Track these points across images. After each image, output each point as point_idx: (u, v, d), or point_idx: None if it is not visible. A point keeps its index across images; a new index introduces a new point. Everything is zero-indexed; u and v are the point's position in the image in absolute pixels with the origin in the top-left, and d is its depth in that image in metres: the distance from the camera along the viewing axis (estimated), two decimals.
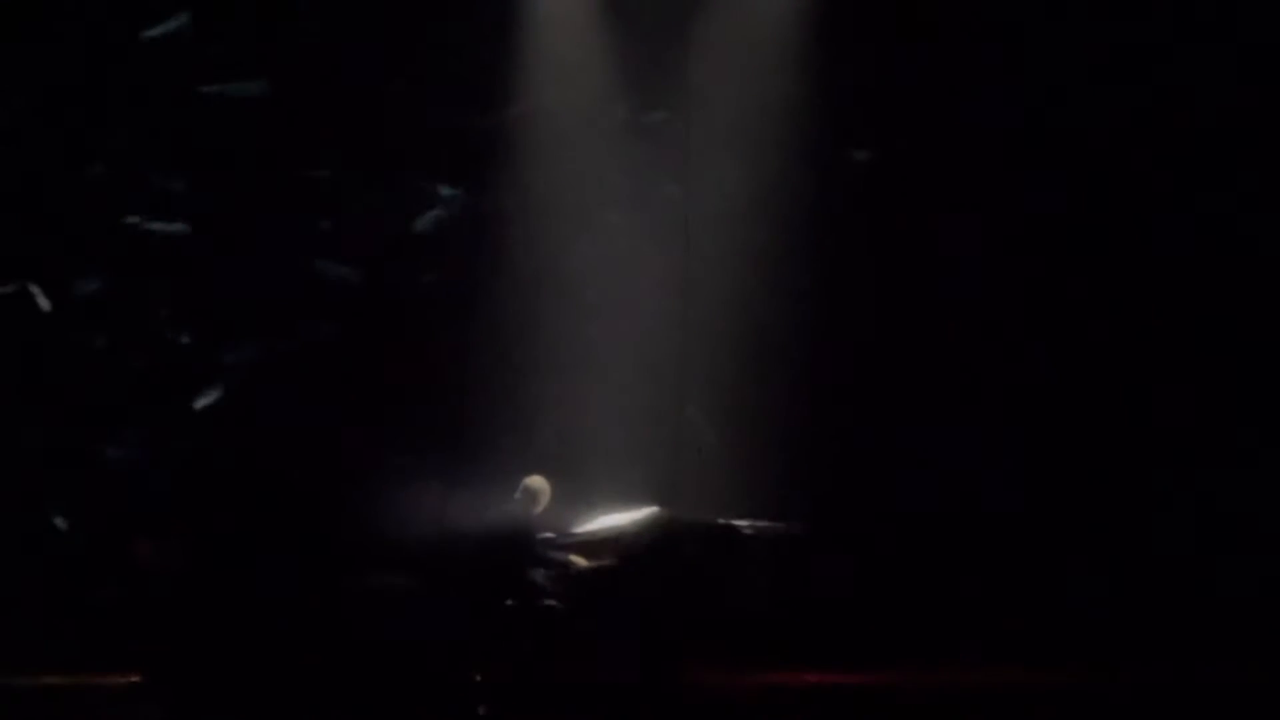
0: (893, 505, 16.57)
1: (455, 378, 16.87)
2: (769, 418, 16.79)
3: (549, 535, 14.17)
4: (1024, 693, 14.19)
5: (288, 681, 13.13)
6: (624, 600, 13.87)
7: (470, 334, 16.98)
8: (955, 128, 16.78)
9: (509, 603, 13.61)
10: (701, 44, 17.09)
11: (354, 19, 16.77)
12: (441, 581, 13.78)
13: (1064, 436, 16.64)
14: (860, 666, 14.89)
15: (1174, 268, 16.67)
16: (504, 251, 17.03)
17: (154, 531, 15.13)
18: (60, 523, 16.36)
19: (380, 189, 16.93)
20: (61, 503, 16.46)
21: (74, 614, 15.76)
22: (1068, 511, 16.51)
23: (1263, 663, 14.46)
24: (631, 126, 17.16)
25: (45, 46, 16.79)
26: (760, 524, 15.18)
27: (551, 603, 13.67)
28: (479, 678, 13.22)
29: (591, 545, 14.31)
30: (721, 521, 14.98)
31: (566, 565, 14.01)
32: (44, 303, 16.57)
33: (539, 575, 13.77)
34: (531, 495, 14.25)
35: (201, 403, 16.56)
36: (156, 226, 16.82)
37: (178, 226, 16.89)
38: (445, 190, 17.00)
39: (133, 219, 16.85)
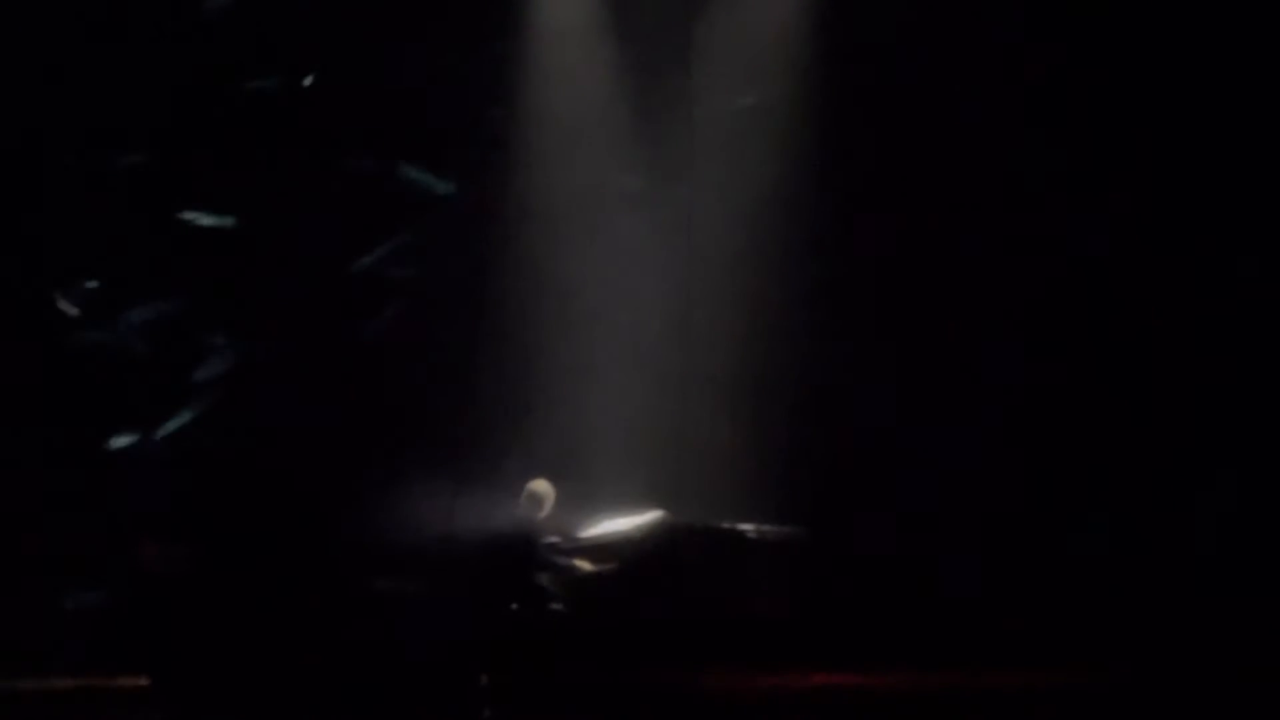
0: (895, 506, 16.52)
1: (459, 382, 16.81)
2: (773, 421, 16.77)
3: (554, 540, 14.15)
4: (1027, 693, 14.13)
5: (293, 685, 13.23)
6: (629, 604, 13.92)
7: (474, 337, 16.96)
8: (957, 128, 16.73)
9: (514, 606, 13.62)
10: (704, 47, 17.07)
11: (360, 23, 16.76)
12: (446, 585, 13.87)
13: (1065, 437, 16.59)
14: (866, 668, 14.84)
15: (1176, 267, 16.56)
16: (508, 254, 16.96)
17: (159, 534, 15.17)
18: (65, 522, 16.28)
19: (384, 190, 16.87)
20: (67, 503, 16.34)
21: (79, 616, 15.70)
22: (1068, 511, 16.47)
23: (1263, 661, 14.37)
24: (634, 130, 17.05)
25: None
26: (765, 528, 15.19)
27: (556, 606, 13.67)
28: (484, 680, 13.21)
29: (596, 550, 14.34)
30: (726, 526, 15.00)
31: (571, 570, 14.02)
32: (69, 308, 16.51)
33: (544, 579, 13.77)
34: (536, 500, 14.23)
35: (168, 428, 16.49)
36: (206, 220, 16.72)
37: (226, 220, 16.79)
38: (448, 190, 16.95)
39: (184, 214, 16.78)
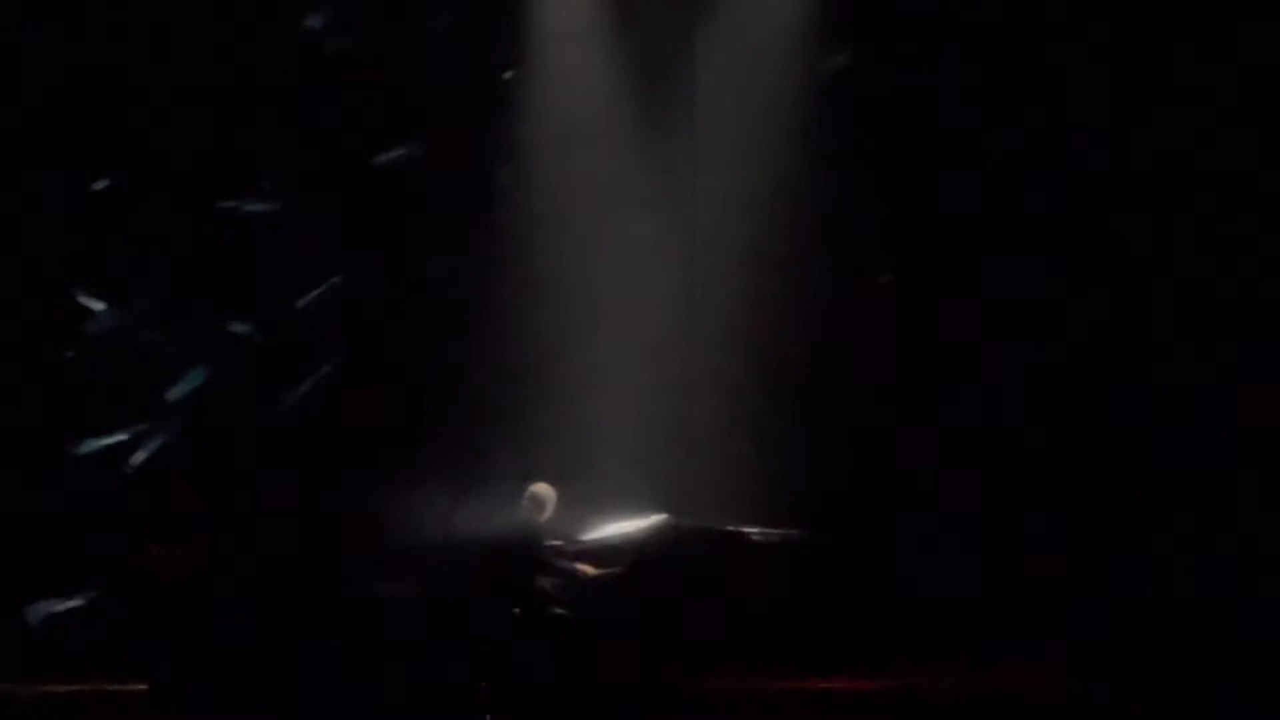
0: (898, 508, 16.64)
1: (462, 384, 16.94)
2: (777, 423, 16.85)
3: (556, 543, 14.21)
4: (1027, 694, 14.30)
5: (295, 689, 13.26)
6: (633, 608, 13.89)
7: (477, 340, 17.04)
8: (961, 126, 16.78)
9: (515, 610, 13.67)
10: (708, 48, 17.19)
11: (363, 22, 16.78)
12: (447, 589, 13.90)
13: (1069, 439, 16.62)
14: (869, 672, 15.01)
15: (1176, 266, 16.63)
16: (510, 257, 17.04)
17: (164, 537, 15.16)
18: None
19: (389, 190, 16.95)
20: (71, 506, 16.36)
21: (80, 620, 15.81)
22: (1072, 514, 16.53)
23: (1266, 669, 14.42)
24: (638, 132, 17.17)
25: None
26: (769, 530, 15.19)
27: (560, 611, 13.75)
28: (485, 685, 13.28)
29: (599, 553, 14.38)
30: (730, 529, 14.98)
31: (574, 573, 14.07)
32: (96, 304, 16.56)
33: (546, 583, 13.81)
34: (538, 502, 14.31)
35: (137, 459, 16.51)
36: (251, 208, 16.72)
37: (270, 206, 16.83)
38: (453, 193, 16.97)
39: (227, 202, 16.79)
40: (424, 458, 16.09)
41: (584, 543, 14.51)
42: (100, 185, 16.69)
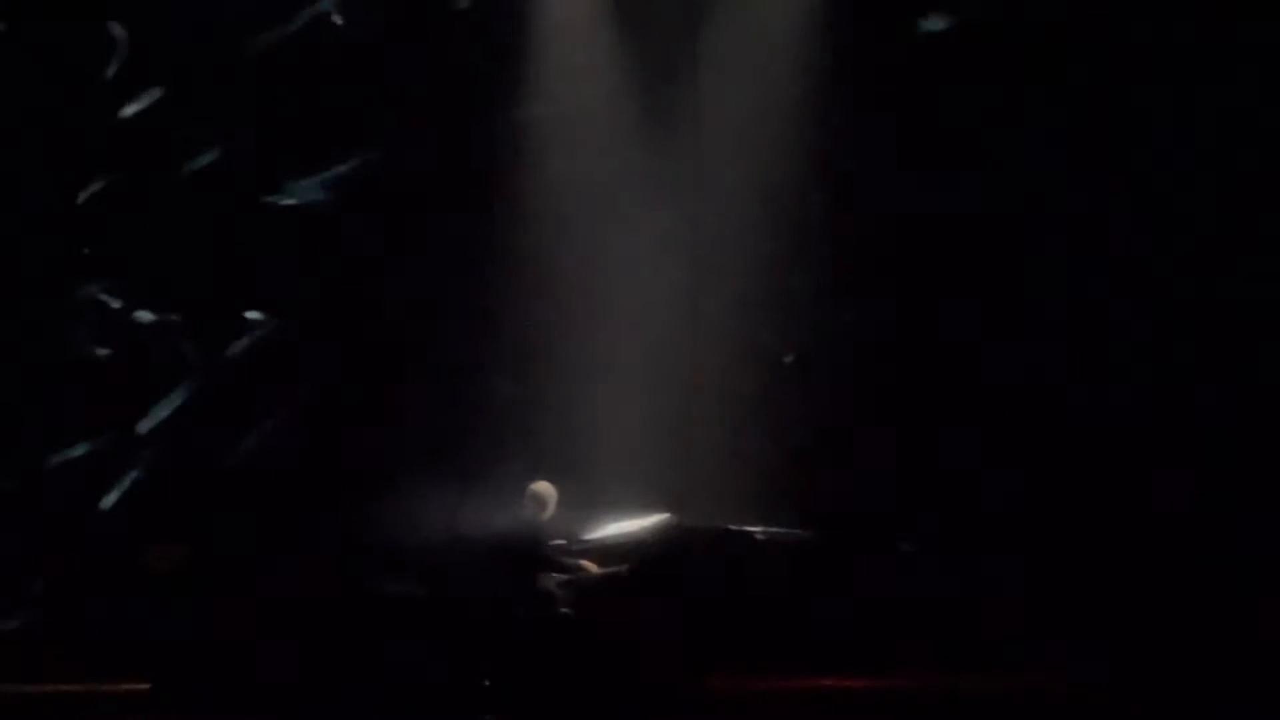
0: (900, 507, 16.58)
1: (464, 385, 16.93)
2: (779, 424, 16.84)
3: (559, 542, 14.22)
4: (1030, 695, 14.19)
5: (298, 687, 13.25)
6: (635, 607, 13.87)
7: (481, 341, 17.06)
8: (962, 129, 16.75)
9: (518, 608, 13.68)
10: (711, 53, 17.22)
11: (372, 25, 16.77)
12: (449, 587, 14.04)
13: (1065, 440, 16.56)
14: (872, 670, 14.85)
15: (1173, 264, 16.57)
16: (514, 258, 17.05)
17: (164, 537, 15.42)
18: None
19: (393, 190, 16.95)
20: (73, 506, 16.36)
21: (83, 619, 15.68)
22: (1067, 514, 16.43)
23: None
24: (641, 135, 17.14)
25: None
26: (771, 530, 15.27)
27: (563, 610, 13.76)
28: (487, 684, 13.25)
29: (602, 552, 14.40)
30: (733, 528, 15.07)
31: (576, 571, 14.07)
32: (145, 316, 16.55)
33: (548, 581, 13.81)
34: (539, 501, 14.29)
35: (108, 501, 16.41)
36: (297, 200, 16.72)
37: (316, 195, 16.80)
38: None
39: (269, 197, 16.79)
40: (427, 457, 16.17)
41: (586, 542, 14.56)
42: (90, 187, 16.62)
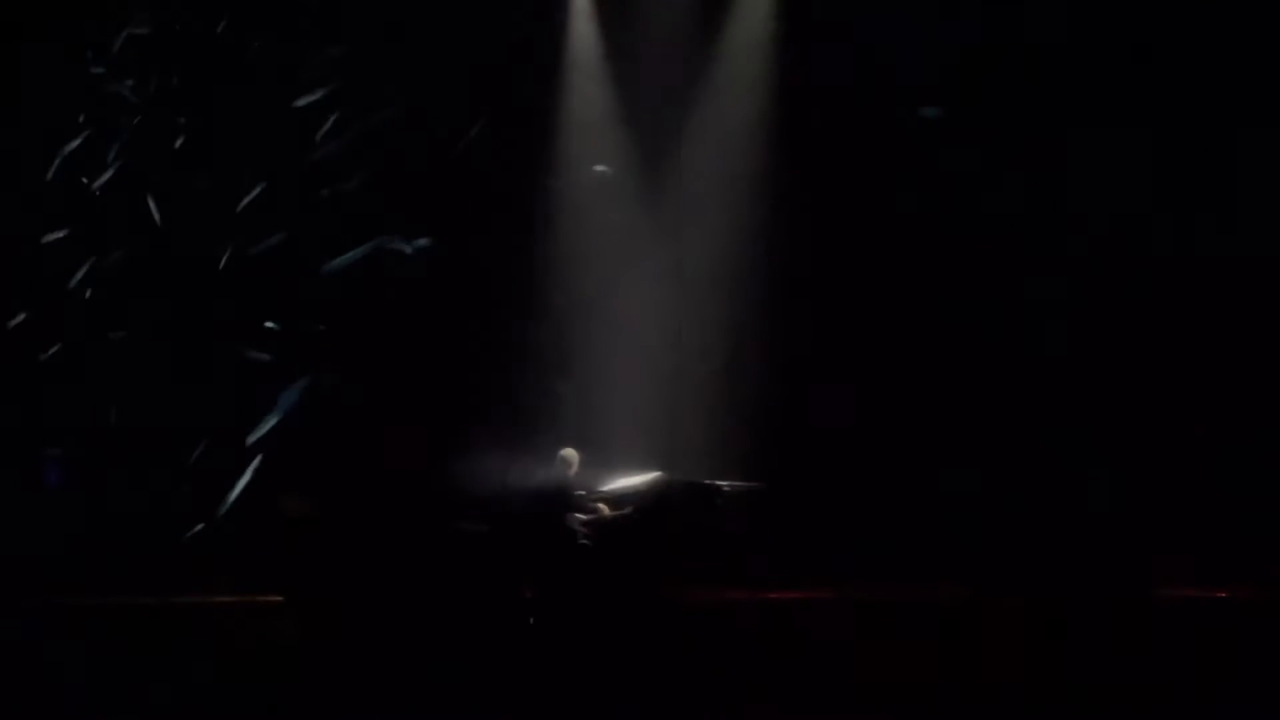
0: (819, 467, 17.73)
1: (516, 382, 18.23)
2: (743, 406, 18.20)
3: (581, 492, 15.11)
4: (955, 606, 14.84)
5: (398, 601, 14.14)
6: (636, 539, 14.60)
7: (523, 352, 18.36)
8: (922, 173, 17.96)
9: (552, 540, 14.51)
10: (694, 129, 18.61)
11: (431, 93, 17.83)
12: (503, 525, 14.62)
13: (1032, 426, 17.62)
14: (811, 585, 15.88)
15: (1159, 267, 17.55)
16: (549, 288, 18.41)
17: (299, 490, 16.35)
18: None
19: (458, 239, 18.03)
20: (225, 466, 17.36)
21: (234, 548, 17.03)
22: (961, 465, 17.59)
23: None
24: (639, 193, 18.57)
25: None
26: (736, 484, 16.14)
27: (584, 541, 14.51)
28: (529, 594, 14.22)
29: (612, 499, 15.17)
30: (708, 482, 15.72)
31: (595, 513, 14.91)
32: (262, 356, 17.67)
33: (574, 521, 14.66)
34: (566, 462, 15.48)
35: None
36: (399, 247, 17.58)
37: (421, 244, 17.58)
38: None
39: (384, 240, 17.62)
40: (490, 432, 17.01)
41: (601, 492, 15.28)
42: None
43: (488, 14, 17.77)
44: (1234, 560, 15.98)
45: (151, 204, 17.30)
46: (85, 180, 17.35)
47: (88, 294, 17.41)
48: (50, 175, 17.29)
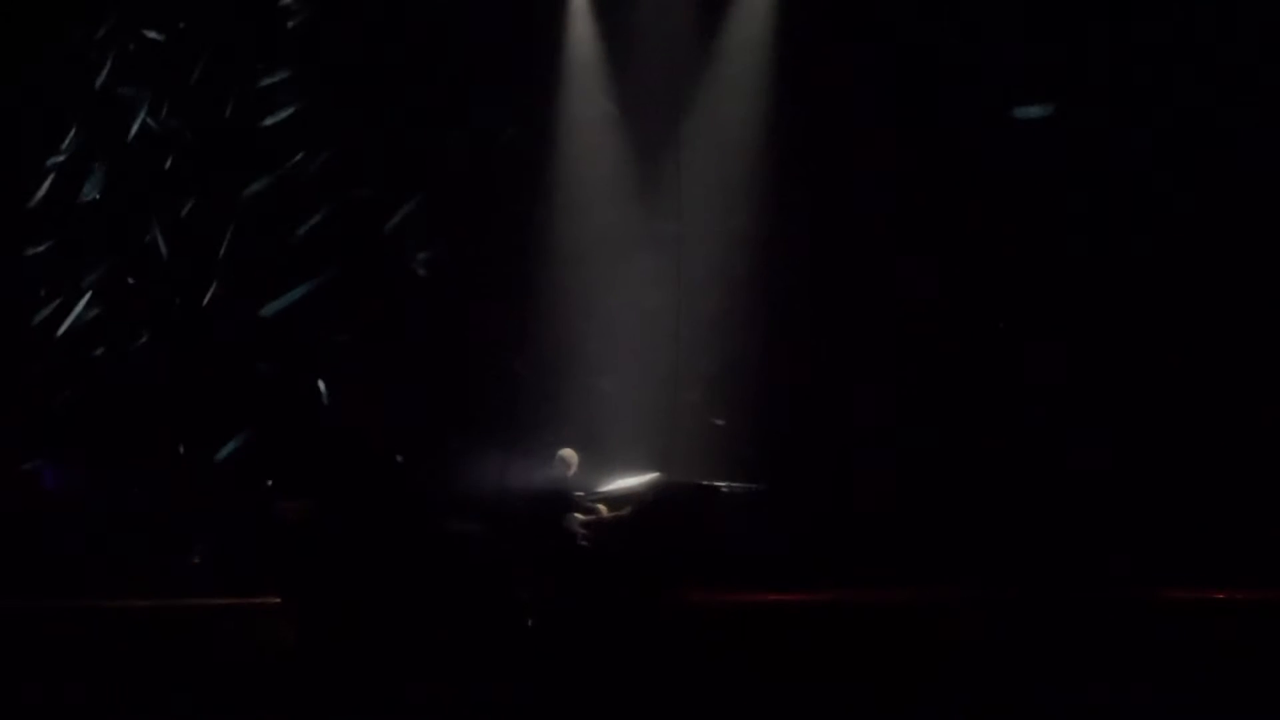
0: (819, 471, 17.85)
1: (512, 382, 18.43)
2: (739, 409, 18.22)
3: (579, 493, 15.22)
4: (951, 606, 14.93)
5: (393, 601, 14.09)
6: (634, 540, 14.71)
7: (530, 352, 18.53)
8: (917, 171, 17.96)
9: (550, 541, 14.60)
10: (691, 133, 18.68)
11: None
12: (501, 526, 14.63)
13: (1032, 429, 17.60)
14: (803, 587, 15.86)
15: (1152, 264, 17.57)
16: (553, 291, 18.44)
17: (294, 495, 16.33)
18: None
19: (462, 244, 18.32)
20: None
21: (232, 552, 17.36)
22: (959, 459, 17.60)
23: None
24: (638, 194, 18.58)
25: None
26: (733, 485, 16.36)
27: (583, 542, 14.60)
28: (528, 595, 14.24)
29: (612, 500, 15.29)
30: (704, 483, 16.00)
31: (594, 514, 15.01)
32: (324, 391, 17.94)
33: (571, 522, 14.74)
34: (565, 462, 15.63)
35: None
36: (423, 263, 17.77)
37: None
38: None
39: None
40: (485, 433, 17.46)
41: (599, 493, 15.43)
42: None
43: (488, 14, 18.08)
44: (1233, 561, 16.16)
45: (159, 237, 18.08)
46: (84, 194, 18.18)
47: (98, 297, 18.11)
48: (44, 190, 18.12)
